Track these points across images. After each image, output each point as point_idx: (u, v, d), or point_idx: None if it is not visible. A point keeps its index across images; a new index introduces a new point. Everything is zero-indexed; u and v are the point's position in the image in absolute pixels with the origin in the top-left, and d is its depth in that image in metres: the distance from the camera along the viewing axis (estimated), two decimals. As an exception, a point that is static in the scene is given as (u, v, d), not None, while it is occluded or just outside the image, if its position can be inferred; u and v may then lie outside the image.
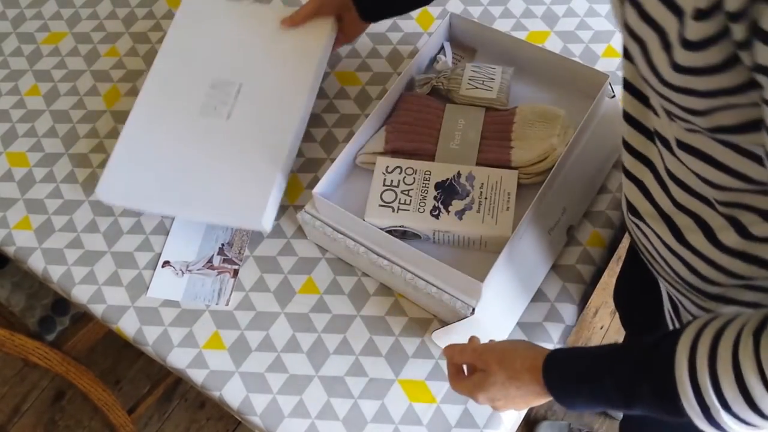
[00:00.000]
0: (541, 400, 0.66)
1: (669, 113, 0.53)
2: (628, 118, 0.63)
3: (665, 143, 0.58)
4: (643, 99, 0.60)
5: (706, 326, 0.53)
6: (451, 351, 0.74)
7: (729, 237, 0.58)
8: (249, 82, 1.01)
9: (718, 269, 0.62)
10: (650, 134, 0.61)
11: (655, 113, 0.58)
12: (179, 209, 0.94)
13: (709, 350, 0.51)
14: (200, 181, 0.94)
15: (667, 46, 0.47)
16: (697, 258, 0.63)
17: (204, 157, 0.96)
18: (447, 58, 1.02)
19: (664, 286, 0.76)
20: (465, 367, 0.74)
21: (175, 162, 0.96)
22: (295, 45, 1.03)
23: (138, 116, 1.00)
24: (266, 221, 0.92)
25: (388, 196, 0.89)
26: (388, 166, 0.91)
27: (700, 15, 0.43)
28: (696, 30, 0.44)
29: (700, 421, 0.52)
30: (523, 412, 0.86)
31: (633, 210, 0.70)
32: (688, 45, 0.45)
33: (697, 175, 0.56)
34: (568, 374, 0.62)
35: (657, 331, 0.59)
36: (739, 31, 0.42)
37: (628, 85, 0.61)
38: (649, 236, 0.68)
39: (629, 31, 0.51)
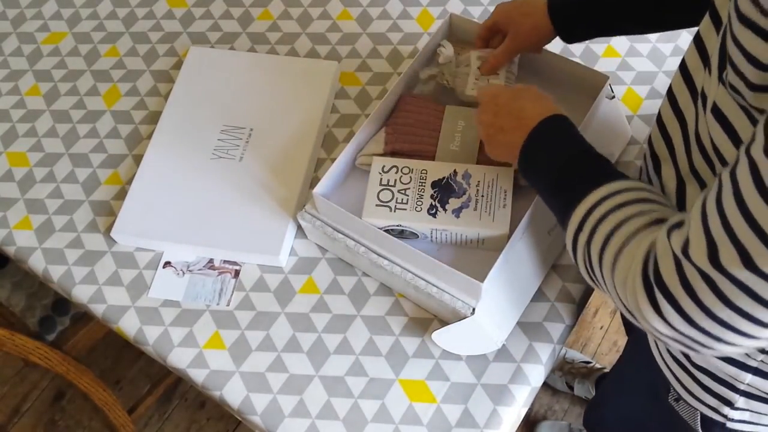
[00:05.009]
0: (513, 153, 0.74)
1: (720, 71, 0.52)
2: (684, 68, 0.63)
3: (704, 103, 0.57)
4: (704, 53, 0.59)
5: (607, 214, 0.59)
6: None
7: None
8: (259, 127, 1.04)
9: None
10: (695, 93, 0.60)
11: (709, 71, 0.56)
12: (196, 248, 0.96)
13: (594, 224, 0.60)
14: (215, 221, 0.97)
15: None
16: None
17: (219, 197, 0.98)
18: (448, 50, 0.98)
19: None
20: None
21: (190, 202, 0.98)
22: (301, 90, 1.07)
23: (152, 159, 1.03)
24: (283, 258, 0.94)
25: (385, 195, 0.89)
26: (384, 166, 0.91)
27: None
28: None
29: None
30: (523, 413, 0.86)
31: (657, 166, 0.69)
32: None
33: (715, 148, 0.55)
34: (540, 153, 0.72)
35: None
36: None
37: (697, 37, 0.60)
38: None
39: None
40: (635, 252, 0.55)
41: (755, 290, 0.47)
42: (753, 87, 0.48)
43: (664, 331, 0.53)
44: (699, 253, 0.48)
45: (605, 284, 0.59)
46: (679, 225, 0.52)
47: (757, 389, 0.67)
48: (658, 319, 0.53)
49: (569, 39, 0.89)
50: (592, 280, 0.62)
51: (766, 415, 0.70)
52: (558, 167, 0.68)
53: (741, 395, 0.69)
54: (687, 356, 0.72)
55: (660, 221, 0.56)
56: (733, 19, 0.48)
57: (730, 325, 0.49)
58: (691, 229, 0.50)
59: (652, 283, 0.52)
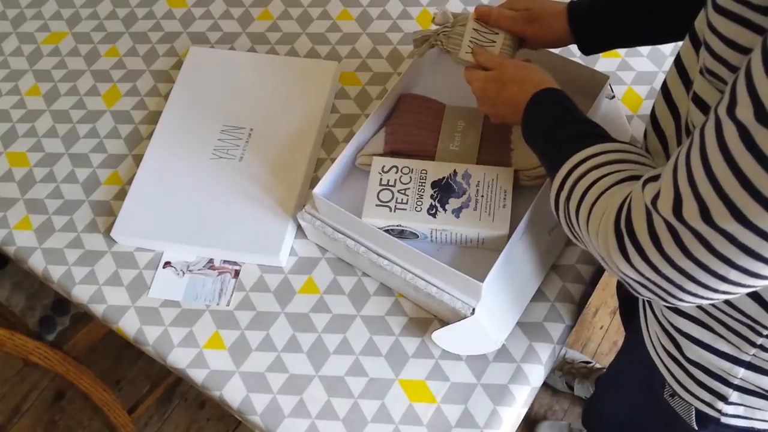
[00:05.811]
0: (517, 117, 0.78)
1: (703, 61, 0.54)
2: (678, 62, 0.64)
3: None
4: (697, 44, 0.60)
5: (584, 175, 0.63)
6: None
7: None
8: (259, 127, 1.04)
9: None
10: (689, 86, 0.62)
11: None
12: (196, 248, 0.96)
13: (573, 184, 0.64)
14: (215, 221, 0.97)
15: None
16: None
17: (219, 197, 0.98)
18: (445, 13, 0.91)
19: None
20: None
21: (190, 202, 0.98)
22: (301, 90, 1.07)
23: (152, 159, 1.03)
24: (283, 258, 0.94)
25: (385, 195, 0.89)
26: (384, 166, 0.91)
27: None
28: None
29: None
30: (523, 413, 0.86)
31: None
32: None
33: None
34: (538, 120, 0.75)
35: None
36: None
37: (692, 32, 0.62)
38: None
39: None
40: (607, 204, 0.59)
41: (711, 243, 0.49)
42: (734, 69, 0.50)
43: (632, 276, 0.57)
44: (666, 204, 0.51)
45: (582, 236, 0.63)
46: (655, 178, 0.55)
47: (751, 384, 0.68)
48: (626, 264, 0.56)
49: (587, 47, 0.86)
50: (573, 235, 0.66)
51: (759, 409, 0.70)
52: (546, 138, 0.73)
53: (734, 390, 0.70)
54: (681, 351, 0.72)
55: (634, 178, 0.59)
56: (709, 9, 0.51)
57: (690, 275, 0.52)
58: (662, 182, 0.52)
59: (623, 230, 0.55)
